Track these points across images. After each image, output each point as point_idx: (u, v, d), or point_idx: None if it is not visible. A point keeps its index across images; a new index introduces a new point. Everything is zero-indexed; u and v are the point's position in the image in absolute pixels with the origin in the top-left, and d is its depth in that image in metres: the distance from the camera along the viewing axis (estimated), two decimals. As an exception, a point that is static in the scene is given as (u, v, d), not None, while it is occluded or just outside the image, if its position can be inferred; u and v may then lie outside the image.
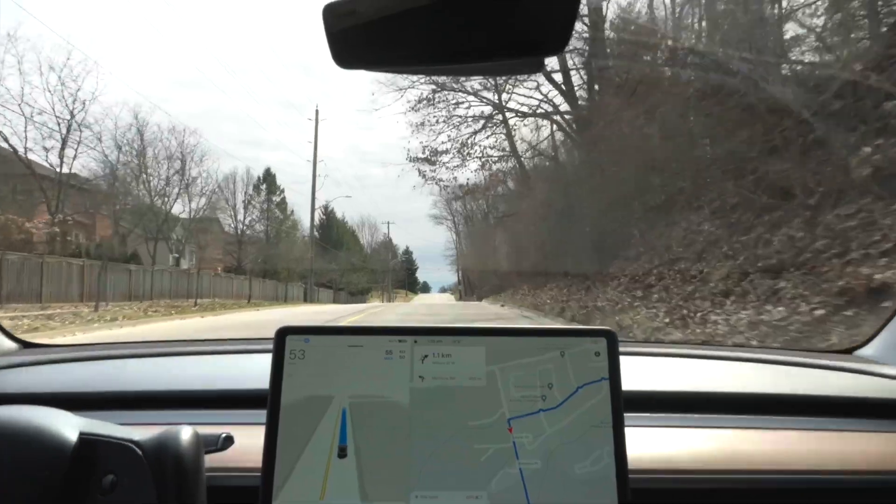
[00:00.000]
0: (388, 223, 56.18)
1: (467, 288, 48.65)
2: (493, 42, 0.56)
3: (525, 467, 0.67)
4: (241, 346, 1.27)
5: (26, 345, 1.26)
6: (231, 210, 37.54)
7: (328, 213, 54.01)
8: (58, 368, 1.13)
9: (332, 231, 52.49)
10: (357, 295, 48.96)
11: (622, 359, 0.72)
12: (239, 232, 37.04)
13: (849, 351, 1.29)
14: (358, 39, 0.56)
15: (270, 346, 0.70)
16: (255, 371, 0.97)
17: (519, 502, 0.66)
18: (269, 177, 41.58)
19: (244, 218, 38.25)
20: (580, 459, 0.68)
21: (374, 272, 54.34)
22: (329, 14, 0.55)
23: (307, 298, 37.93)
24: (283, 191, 42.01)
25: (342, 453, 0.67)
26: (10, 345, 1.24)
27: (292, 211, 42.14)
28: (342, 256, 45.82)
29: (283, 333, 0.71)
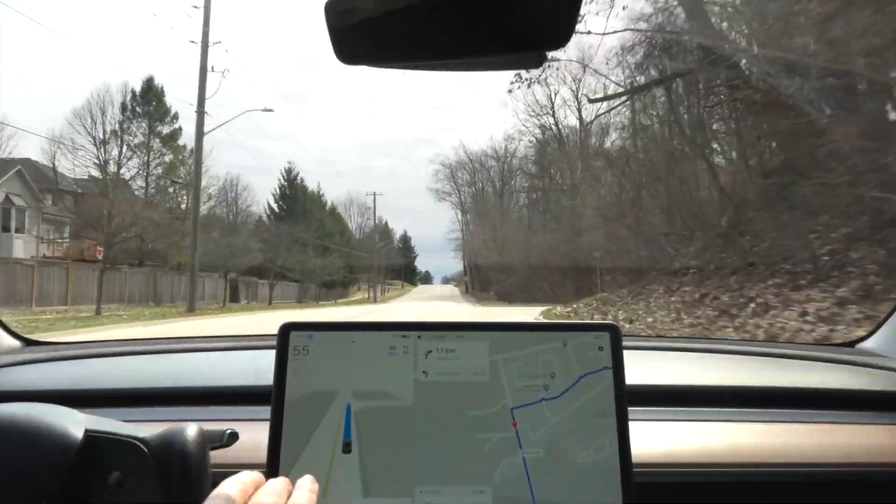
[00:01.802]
0: (375, 194, 45.10)
1: (475, 280, 38.18)
2: (495, 37, 0.56)
3: (528, 456, 0.67)
4: (245, 342, 1.28)
5: (29, 342, 1.27)
6: (96, 147, 21.79)
7: (291, 178, 39.36)
8: (61, 366, 1.13)
9: (295, 203, 38.08)
10: (336, 288, 37.59)
11: (626, 353, 0.72)
12: (109, 187, 20.52)
13: (852, 344, 1.29)
14: (360, 35, 0.56)
15: (274, 343, 0.70)
16: (259, 367, 0.97)
17: (522, 492, 0.67)
18: (150, 91, 23.93)
19: (117, 163, 22.19)
20: (583, 448, 0.68)
21: (359, 259, 40.77)
22: (331, 10, 0.55)
23: (222, 300, 22.93)
24: (175, 117, 24.40)
25: (346, 449, 0.67)
26: (13, 342, 1.24)
27: (191, 152, 22.52)
28: (299, 235, 31.47)
29: (287, 329, 0.71)
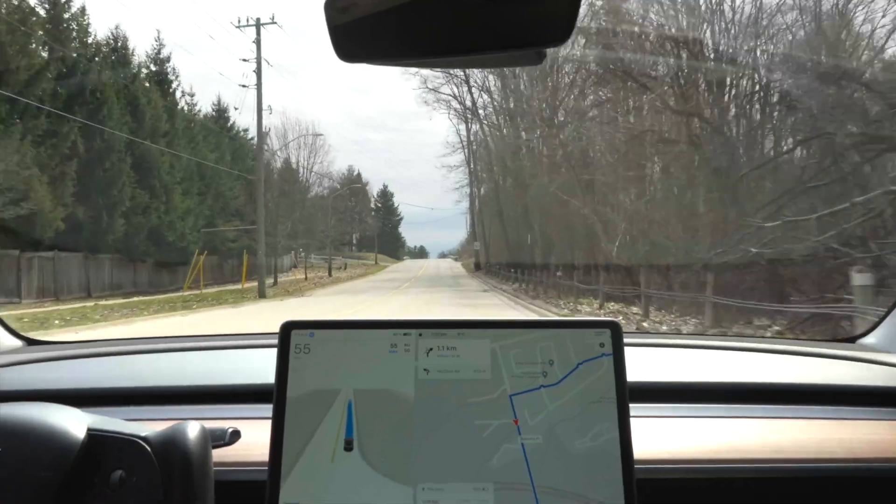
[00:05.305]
0: (258, 22, 19.24)
1: (490, 254, 22.54)
2: (494, 35, 0.56)
3: (527, 443, 0.68)
4: (247, 340, 1.28)
5: (30, 342, 1.27)
6: None
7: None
8: (63, 365, 1.14)
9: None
10: (170, 267, 18.66)
11: (627, 349, 0.72)
12: None
13: (852, 340, 1.29)
14: (359, 33, 0.56)
15: (275, 341, 0.71)
16: (260, 366, 0.97)
17: (522, 479, 0.67)
18: None
19: None
20: (582, 435, 0.68)
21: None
22: (330, 8, 0.55)
23: None
24: None
25: (348, 446, 0.67)
26: (15, 342, 1.24)
27: None
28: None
29: (288, 328, 0.71)
